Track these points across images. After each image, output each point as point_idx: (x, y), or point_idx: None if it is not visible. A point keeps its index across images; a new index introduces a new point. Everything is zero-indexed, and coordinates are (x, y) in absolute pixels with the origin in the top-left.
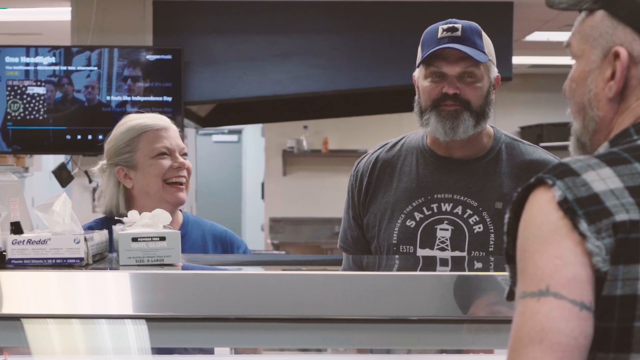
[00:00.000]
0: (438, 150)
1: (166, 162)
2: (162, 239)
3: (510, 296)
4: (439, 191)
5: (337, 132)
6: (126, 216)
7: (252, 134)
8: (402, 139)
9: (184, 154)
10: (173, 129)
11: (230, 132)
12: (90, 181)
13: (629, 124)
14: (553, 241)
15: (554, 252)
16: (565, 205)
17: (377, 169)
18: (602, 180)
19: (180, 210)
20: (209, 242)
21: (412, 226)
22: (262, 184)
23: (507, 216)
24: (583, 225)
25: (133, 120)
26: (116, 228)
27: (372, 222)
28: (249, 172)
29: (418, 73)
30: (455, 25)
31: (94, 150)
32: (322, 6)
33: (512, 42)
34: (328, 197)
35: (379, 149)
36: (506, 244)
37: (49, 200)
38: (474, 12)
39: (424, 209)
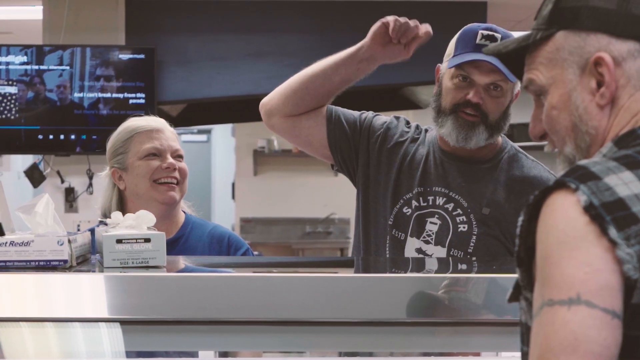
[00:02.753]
0: (445, 146)
1: (154, 163)
2: (147, 240)
3: (513, 298)
4: (437, 184)
5: None
6: None
7: (221, 133)
8: (422, 128)
9: (178, 156)
10: (168, 131)
11: (199, 132)
12: (63, 181)
13: (626, 122)
14: (580, 248)
15: (582, 259)
16: (592, 211)
17: (409, 143)
18: (625, 184)
19: (183, 212)
20: (206, 244)
21: (407, 213)
22: (233, 184)
23: (521, 219)
24: (613, 232)
25: (128, 122)
26: (99, 229)
27: (373, 194)
28: (218, 172)
29: (444, 68)
30: (496, 34)
31: (66, 150)
32: (296, 5)
33: None
34: (299, 197)
35: (417, 128)
36: (517, 247)
37: (31, 201)
38: (447, 11)
39: (421, 199)
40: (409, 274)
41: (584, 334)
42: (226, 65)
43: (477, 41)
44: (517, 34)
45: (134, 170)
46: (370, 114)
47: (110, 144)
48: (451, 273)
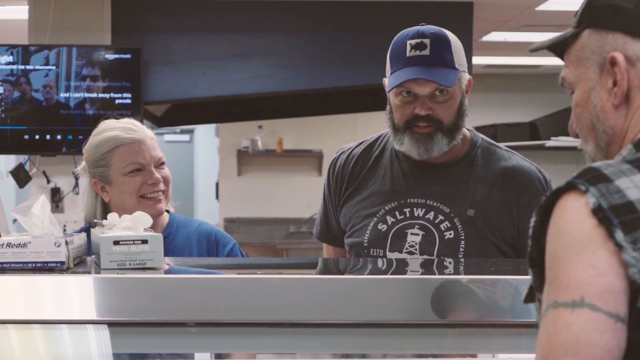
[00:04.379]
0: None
1: (139, 179)
2: (144, 242)
3: (528, 299)
4: (412, 196)
5: (292, 132)
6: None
7: (204, 133)
8: (380, 137)
9: (161, 164)
10: (149, 139)
11: (182, 132)
12: (49, 181)
13: None
14: (587, 250)
15: (588, 262)
16: (600, 214)
17: (352, 166)
18: (637, 187)
19: (167, 211)
20: (194, 242)
21: (383, 230)
22: (217, 184)
23: (533, 220)
24: (619, 235)
25: (107, 131)
26: (96, 231)
27: (346, 221)
28: (201, 172)
29: (389, 85)
30: (424, 40)
31: (52, 150)
32: (282, 5)
33: (472, 42)
34: (283, 197)
35: (357, 146)
36: (530, 248)
37: (27, 202)
38: (434, 12)
39: (397, 213)
40: (404, 276)
41: (585, 337)
42: (213, 65)
43: (407, 54)
44: (498, 33)
45: (119, 186)
46: (321, 201)
47: (88, 152)
48: (448, 275)
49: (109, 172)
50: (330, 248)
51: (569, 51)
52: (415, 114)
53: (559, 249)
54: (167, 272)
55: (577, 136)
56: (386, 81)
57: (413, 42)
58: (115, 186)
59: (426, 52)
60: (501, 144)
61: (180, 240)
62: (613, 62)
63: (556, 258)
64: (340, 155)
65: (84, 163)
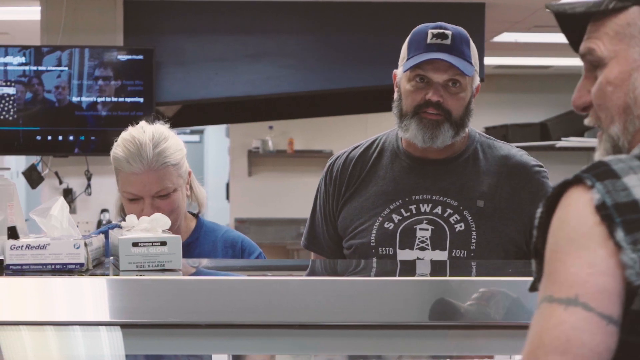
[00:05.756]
0: (414, 151)
1: (136, 207)
2: (163, 243)
3: (534, 287)
4: (417, 192)
5: (303, 133)
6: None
7: (214, 134)
8: (376, 139)
9: (164, 194)
10: (153, 170)
11: (192, 132)
12: (61, 182)
13: None
14: (587, 247)
15: (586, 260)
16: (603, 211)
17: (351, 169)
18: None
19: (194, 215)
20: (219, 248)
21: (390, 228)
22: (227, 185)
23: (539, 210)
24: (619, 235)
25: (121, 146)
26: (114, 232)
27: (347, 224)
28: (211, 172)
29: (400, 73)
30: (445, 31)
31: (65, 151)
32: (293, 6)
33: (484, 43)
34: (293, 197)
35: (353, 149)
36: (535, 238)
37: (46, 204)
38: (446, 13)
39: (402, 210)
40: (419, 277)
41: (576, 337)
42: (224, 66)
43: (428, 41)
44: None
45: (123, 201)
46: (311, 209)
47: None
48: (464, 276)
49: (118, 184)
50: (317, 257)
51: (602, 22)
52: (427, 99)
53: (559, 243)
54: (193, 274)
55: (583, 110)
56: (397, 71)
57: (435, 31)
58: (121, 199)
59: (447, 41)
60: (495, 138)
61: (206, 247)
62: None
63: (556, 252)
64: (336, 159)
65: None
